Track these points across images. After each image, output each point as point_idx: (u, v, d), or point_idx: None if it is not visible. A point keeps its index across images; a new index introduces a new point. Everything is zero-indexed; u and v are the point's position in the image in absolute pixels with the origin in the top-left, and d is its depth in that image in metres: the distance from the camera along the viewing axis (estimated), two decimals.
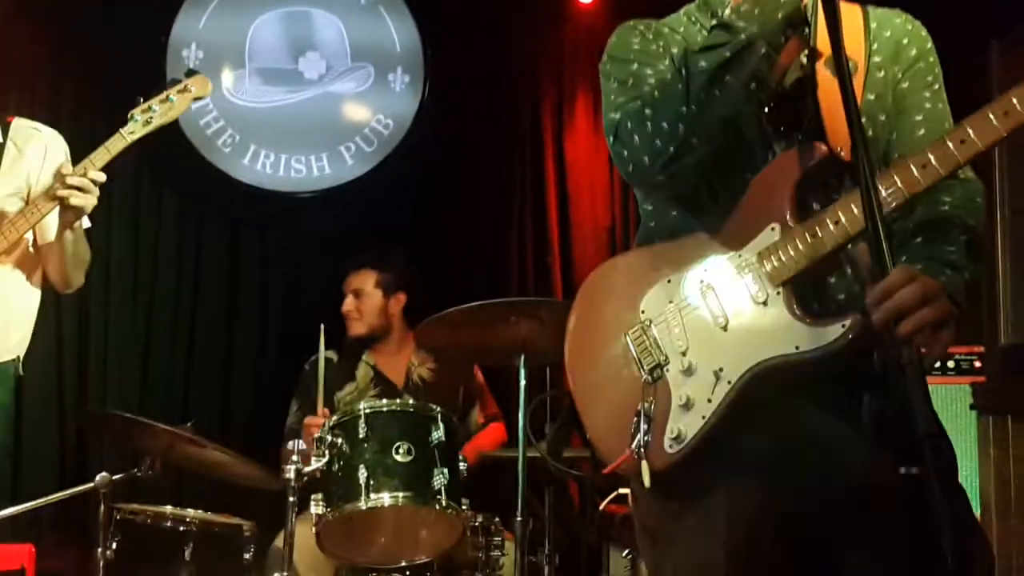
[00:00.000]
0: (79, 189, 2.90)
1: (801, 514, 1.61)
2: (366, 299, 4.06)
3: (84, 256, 3.14)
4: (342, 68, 5.00)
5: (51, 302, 4.57)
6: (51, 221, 3.03)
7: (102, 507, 3.24)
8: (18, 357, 3.13)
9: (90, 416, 4.35)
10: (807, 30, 1.76)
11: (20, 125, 3.14)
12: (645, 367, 1.73)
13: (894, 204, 1.59)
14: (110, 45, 4.77)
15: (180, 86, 3.13)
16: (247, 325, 4.97)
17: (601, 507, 3.85)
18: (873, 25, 1.85)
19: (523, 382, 3.26)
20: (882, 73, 1.81)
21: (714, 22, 1.76)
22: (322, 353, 3.69)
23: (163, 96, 3.09)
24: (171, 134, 4.43)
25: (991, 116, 1.54)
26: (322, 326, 3.72)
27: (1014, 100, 1.52)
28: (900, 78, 1.82)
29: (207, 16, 4.90)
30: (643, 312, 1.77)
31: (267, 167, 4.94)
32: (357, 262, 4.13)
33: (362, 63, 5.01)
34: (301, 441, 3.09)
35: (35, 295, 3.15)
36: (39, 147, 3.11)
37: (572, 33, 5.24)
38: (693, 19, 1.93)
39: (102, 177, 2.96)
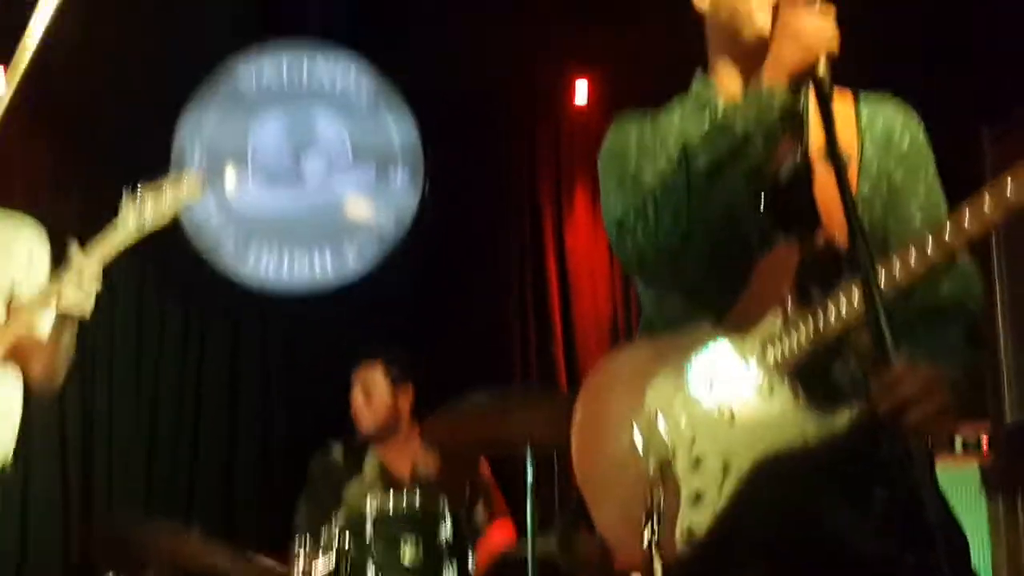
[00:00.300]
0: (76, 292, 2.86)
1: None
2: (375, 395, 4.05)
3: (71, 352, 3.05)
4: (343, 166, 5.08)
5: (56, 411, 4.60)
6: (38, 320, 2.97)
7: None
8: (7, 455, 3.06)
9: (96, 524, 4.30)
10: (803, 123, 1.80)
11: (3, 222, 3.06)
12: (653, 459, 1.72)
13: (894, 290, 1.60)
14: (114, 147, 4.83)
15: (177, 184, 3.11)
16: (250, 423, 4.96)
17: None
18: (865, 114, 1.88)
19: (530, 477, 3.23)
20: (876, 163, 1.84)
21: (711, 117, 1.80)
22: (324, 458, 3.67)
23: (159, 194, 3.05)
24: (173, 234, 4.48)
25: (987, 202, 1.56)
26: None
27: (1010, 186, 1.55)
28: (894, 167, 1.84)
29: (209, 118, 4.98)
30: (649, 403, 1.77)
31: (269, 267, 4.97)
32: (365, 354, 4.13)
33: (363, 161, 5.08)
34: (309, 540, 3.06)
35: (20, 398, 3.10)
36: (24, 247, 3.04)
37: (569, 125, 5.34)
38: (688, 111, 1.95)
39: (96, 274, 2.86)
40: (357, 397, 4.05)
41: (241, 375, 5.02)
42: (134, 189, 3.06)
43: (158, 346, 4.93)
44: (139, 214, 2.98)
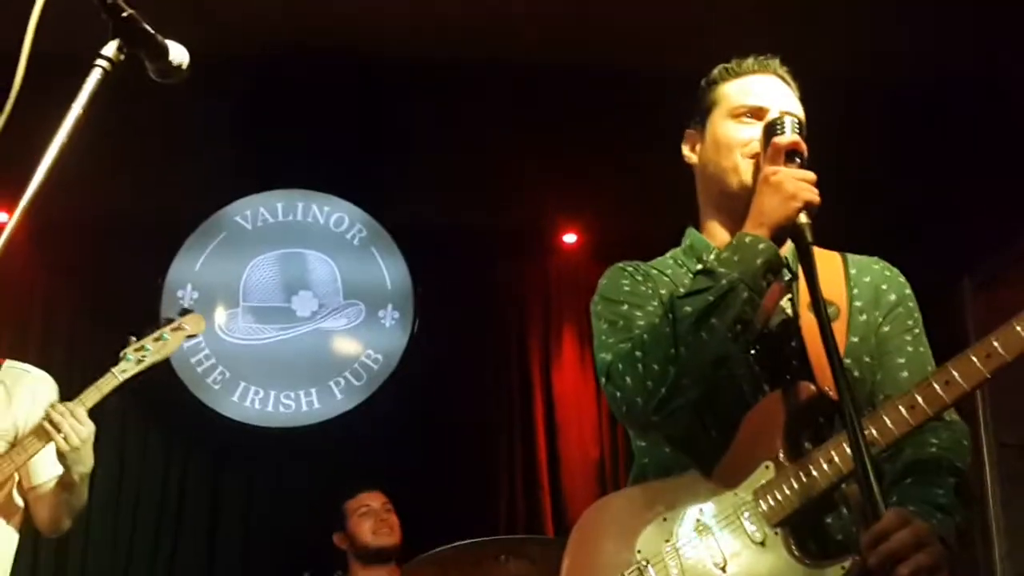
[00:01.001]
0: (63, 427, 2.83)
1: None
2: (393, 515, 4.02)
3: (80, 504, 3.00)
4: (334, 306, 5.11)
5: (28, 547, 4.49)
6: (42, 462, 2.97)
7: None
8: None
9: None
10: (790, 276, 1.83)
11: (10, 367, 3.08)
12: None
13: (884, 444, 1.61)
14: (106, 286, 4.87)
15: (174, 324, 3.13)
16: (231, 563, 4.84)
17: None
18: (853, 271, 1.93)
19: None
20: (864, 316, 1.87)
21: (699, 267, 1.84)
22: None
23: (157, 335, 3.07)
24: (160, 370, 4.46)
25: (974, 359, 1.58)
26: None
27: (995, 343, 1.58)
28: (881, 322, 1.88)
29: (204, 258, 5.04)
30: (639, 552, 1.75)
31: (256, 403, 4.95)
32: (364, 484, 4.11)
33: (354, 300, 5.12)
34: None
35: (14, 541, 3.04)
36: (28, 389, 3.03)
37: (557, 269, 5.41)
38: (680, 262, 2.00)
39: (87, 425, 2.84)
40: (369, 518, 3.98)
41: (222, 512, 4.92)
42: (133, 333, 3.07)
43: (138, 476, 4.86)
44: (138, 362, 2.99)
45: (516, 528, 4.81)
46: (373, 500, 4.06)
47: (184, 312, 3.19)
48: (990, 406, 3.95)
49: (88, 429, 2.86)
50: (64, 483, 2.91)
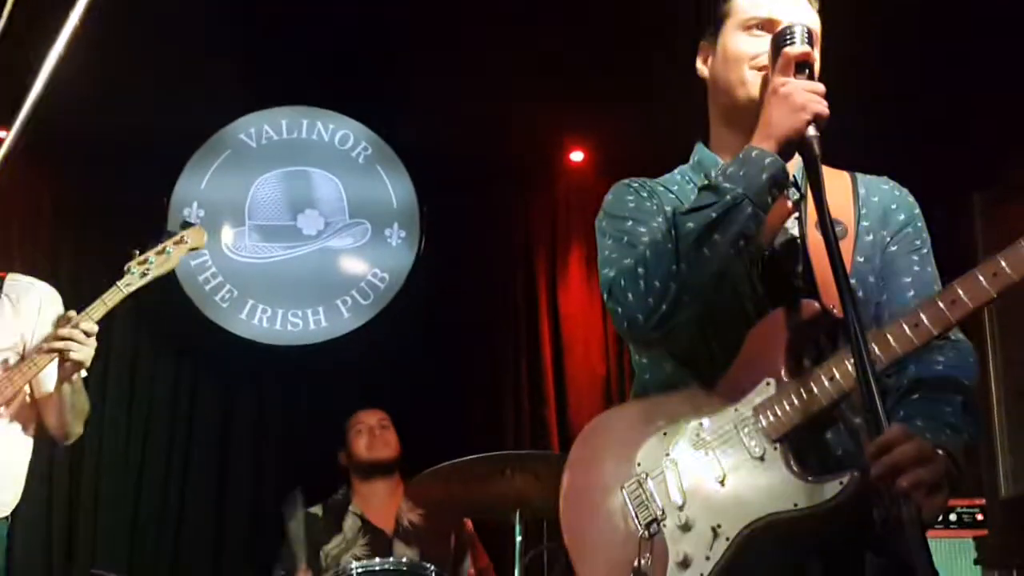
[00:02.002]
0: (72, 341, 2.89)
1: None
2: (389, 430, 4.10)
3: (84, 406, 3.10)
4: (340, 224, 5.10)
5: (43, 459, 4.57)
6: (48, 372, 3.02)
7: None
8: (7, 517, 3.06)
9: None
10: (798, 193, 1.80)
11: (14, 280, 3.13)
12: (641, 522, 1.71)
13: (887, 362, 1.60)
14: (112, 204, 4.87)
15: (176, 238, 3.15)
16: (240, 482, 4.91)
17: None
18: (862, 191, 1.90)
19: (519, 538, 3.20)
20: (871, 236, 1.85)
21: (704, 182, 1.82)
22: (300, 512, 3.65)
23: (159, 248, 3.10)
24: (169, 289, 4.50)
25: (980, 278, 1.56)
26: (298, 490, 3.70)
27: (1003, 262, 1.55)
28: (889, 241, 1.86)
29: (209, 176, 5.03)
30: (639, 465, 1.76)
31: (264, 321, 4.97)
32: (367, 403, 4.19)
33: (359, 219, 5.11)
34: None
35: (28, 448, 3.12)
36: (34, 302, 3.09)
37: (564, 188, 5.38)
38: (687, 178, 1.98)
39: (94, 328, 2.93)
40: (364, 434, 4.07)
41: (232, 429, 4.98)
42: (137, 247, 3.09)
43: (150, 395, 4.92)
44: (142, 275, 3.02)
45: (522, 445, 4.86)
46: (369, 417, 4.14)
47: (185, 225, 3.21)
48: (998, 323, 3.94)
49: (94, 343, 2.92)
50: (62, 379, 2.98)
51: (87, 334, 2.91)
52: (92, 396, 4.68)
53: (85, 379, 3.13)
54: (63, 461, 4.68)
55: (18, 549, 4.45)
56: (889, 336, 1.61)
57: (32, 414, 3.09)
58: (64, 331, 2.88)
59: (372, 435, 4.08)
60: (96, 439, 4.76)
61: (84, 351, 2.91)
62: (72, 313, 2.95)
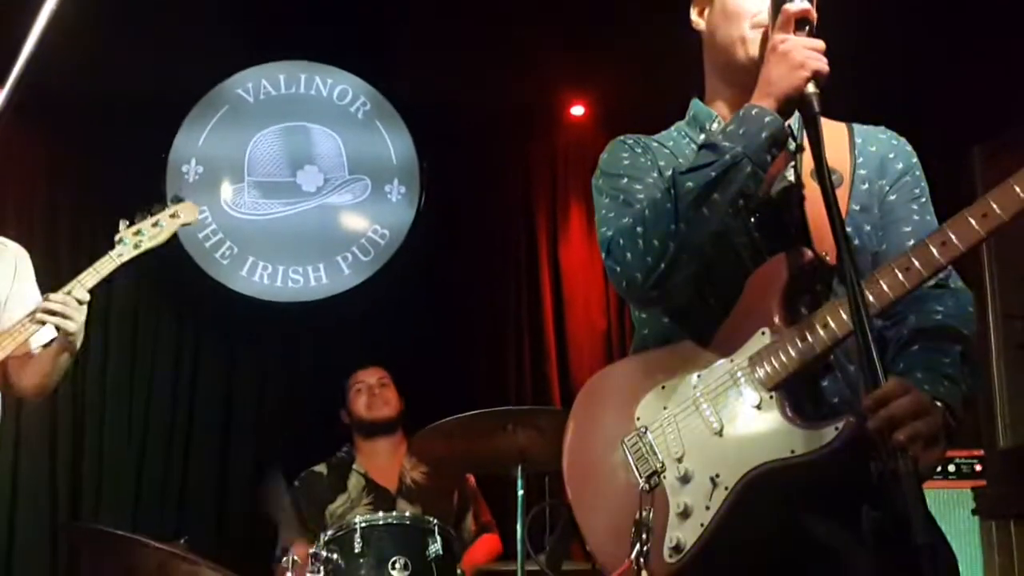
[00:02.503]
0: (67, 308, 2.88)
1: None
2: (389, 388, 4.11)
3: (65, 365, 3.07)
4: (339, 180, 5.09)
5: (47, 413, 4.61)
6: (37, 335, 2.99)
7: None
8: None
9: (82, 531, 4.29)
10: (794, 143, 1.80)
11: None
12: (642, 475, 1.73)
13: (880, 307, 1.61)
14: (110, 162, 4.84)
15: (170, 211, 3.16)
16: (243, 437, 4.94)
17: None
18: (859, 141, 1.90)
19: (521, 492, 3.23)
20: (867, 186, 1.85)
21: (701, 139, 1.81)
22: (282, 486, 3.68)
23: (153, 220, 3.11)
24: (169, 246, 4.48)
25: (970, 219, 1.56)
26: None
27: (992, 203, 1.55)
28: (887, 191, 1.86)
29: (207, 133, 5.00)
30: (638, 419, 1.78)
31: (264, 278, 4.98)
32: (367, 360, 4.18)
33: (359, 175, 5.10)
34: (296, 556, 3.05)
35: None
36: (9, 262, 3.07)
37: (564, 143, 5.35)
38: (683, 134, 1.98)
39: (87, 297, 2.92)
40: (363, 393, 4.09)
41: (235, 387, 5.00)
42: (130, 214, 3.10)
43: (152, 354, 4.93)
44: (135, 246, 3.02)
45: (524, 400, 4.88)
46: (369, 376, 4.14)
47: (177, 199, 3.21)
48: (998, 278, 3.94)
49: (83, 313, 2.91)
50: (59, 348, 2.95)
51: (80, 302, 2.91)
52: (94, 356, 4.77)
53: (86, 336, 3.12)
54: (67, 423, 4.71)
55: (24, 506, 4.52)
56: (881, 281, 1.61)
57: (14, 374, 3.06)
58: (56, 299, 2.87)
59: (372, 394, 4.09)
60: (99, 398, 4.79)
61: (77, 320, 2.91)
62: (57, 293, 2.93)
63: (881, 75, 4.30)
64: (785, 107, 1.68)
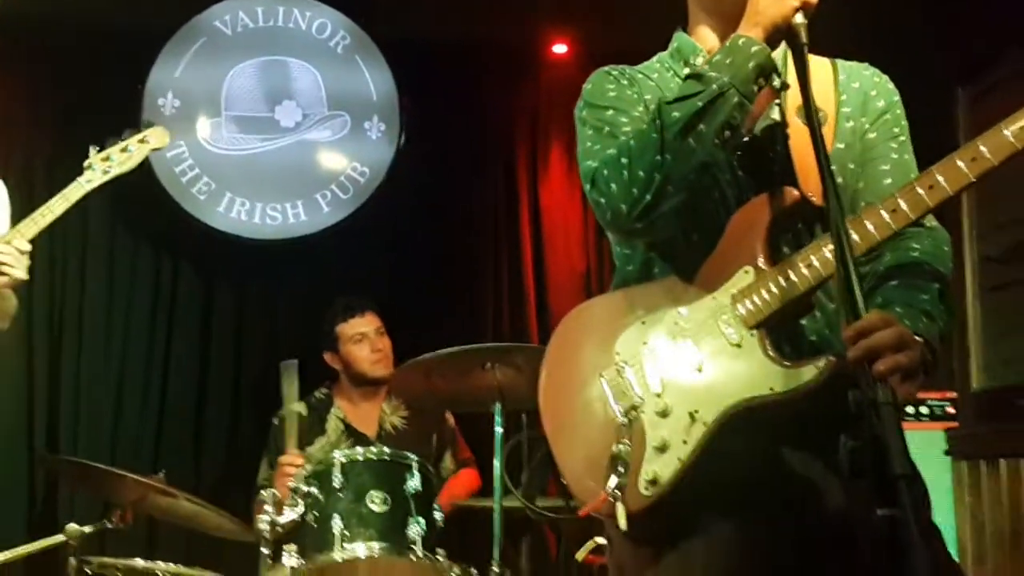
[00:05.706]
0: (9, 256, 2.86)
1: (778, 553, 1.62)
2: (385, 342, 4.05)
3: (11, 309, 3.08)
4: (318, 116, 5.03)
5: (22, 349, 4.59)
6: None
7: (71, 560, 3.18)
8: None
9: (60, 463, 4.30)
10: (778, 80, 1.79)
11: None
12: (620, 409, 1.73)
13: (865, 248, 1.61)
14: (86, 94, 4.77)
15: (140, 136, 3.12)
16: (221, 374, 4.93)
17: (578, 557, 3.82)
18: (842, 77, 1.89)
19: (499, 429, 3.25)
20: (850, 123, 1.85)
21: (687, 71, 1.79)
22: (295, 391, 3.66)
23: (122, 146, 3.07)
24: (145, 181, 4.44)
25: (959, 163, 1.57)
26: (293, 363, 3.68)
27: (981, 147, 1.55)
28: (868, 128, 1.86)
29: (184, 65, 4.92)
30: (618, 353, 1.78)
31: (242, 215, 4.94)
32: (358, 307, 4.10)
33: (338, 111, 5.03)
34: (275, 491, 3.06)
35: None
36: None
37: (546, 81, 5.30)
38: (666, 66, 1.96)
39: (27, 247, 2.91)
40: (365, 346, 4.02)
41: (213, 325, 4.99)
42: (101, 141, 3.06)
43: (130, 288, 4.90)
44: (104, 172, 2.98)
45: (502, 339, 4.87)
46: (366, 325, 4.06)
47: (148, 124, 3.18)
48: (975, 220, 3.96)
49: (25, 262, 2.91)
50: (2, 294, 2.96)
51: (20, 252, 2.88)
52: (71, 291, 4.75)
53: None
54: (43, 357, 4.70)
55: (1, 443, 4.52)
56: (867, 222, 1.61)
57: None
58: (3, 258, 2.85)
59: (375, 348, 4.02)
60: (76, 333, 4.77)
61: (19, 269, 2.88)
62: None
63: (866, 14, 4.26)
64: (773, 37, 1.67)
